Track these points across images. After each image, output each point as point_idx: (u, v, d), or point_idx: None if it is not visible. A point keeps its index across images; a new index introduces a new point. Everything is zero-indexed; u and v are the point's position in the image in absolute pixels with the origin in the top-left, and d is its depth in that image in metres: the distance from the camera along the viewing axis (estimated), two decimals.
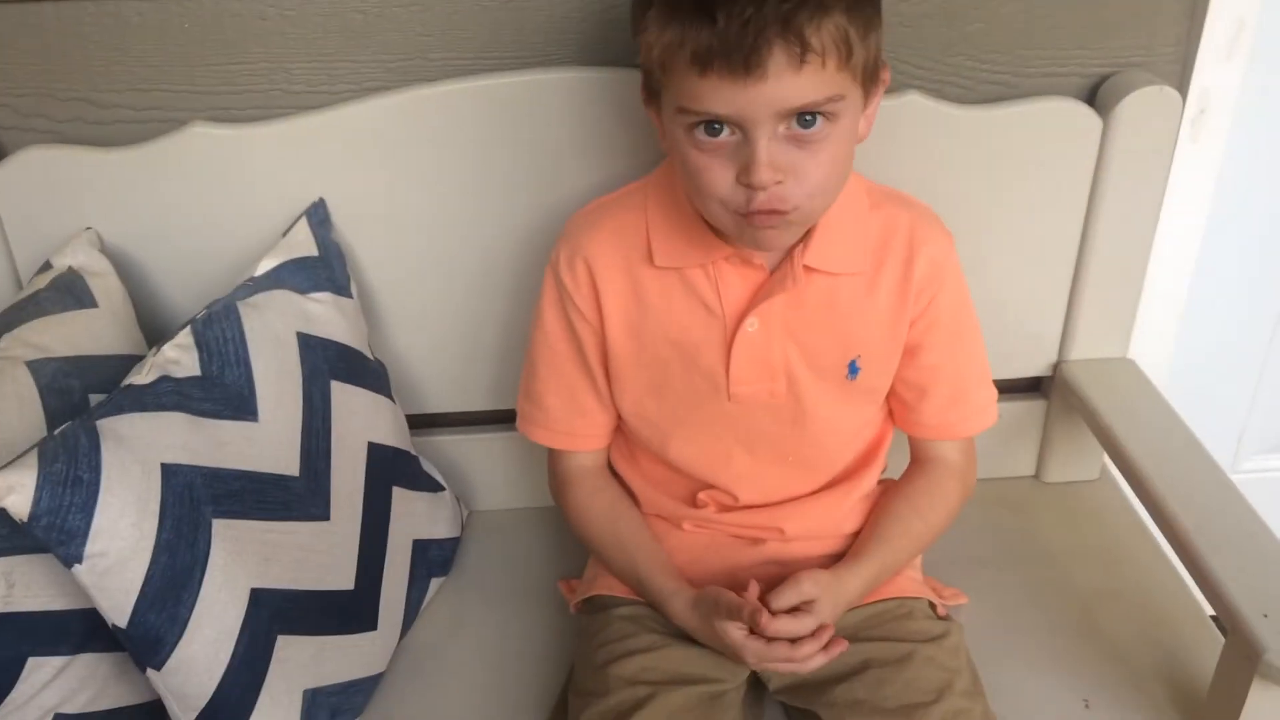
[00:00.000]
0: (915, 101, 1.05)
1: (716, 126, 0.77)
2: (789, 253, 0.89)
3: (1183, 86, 1.09)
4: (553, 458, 1.04)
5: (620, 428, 1.02)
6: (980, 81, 1.09)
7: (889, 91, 1.04)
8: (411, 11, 1.03)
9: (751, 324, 0.90)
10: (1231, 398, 1.45)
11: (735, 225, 0.82)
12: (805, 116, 0.77)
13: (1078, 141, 1.08)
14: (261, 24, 1.02)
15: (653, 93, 0.84)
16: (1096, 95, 1.09)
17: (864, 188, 0.93)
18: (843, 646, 0.85)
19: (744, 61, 0.73)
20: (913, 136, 1.06)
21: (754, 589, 0.86)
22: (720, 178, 0.79)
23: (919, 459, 1.01)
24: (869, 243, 0.91)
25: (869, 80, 0.81)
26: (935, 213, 0.96)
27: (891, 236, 0.92)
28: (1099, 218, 1.10)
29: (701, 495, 0.99)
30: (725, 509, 0.99)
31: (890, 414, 1.02)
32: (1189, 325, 1.26)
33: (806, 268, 0.89)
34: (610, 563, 0.99)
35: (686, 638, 0.93)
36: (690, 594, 0.92)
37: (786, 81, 0.74)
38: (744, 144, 0.77)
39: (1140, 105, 1.05)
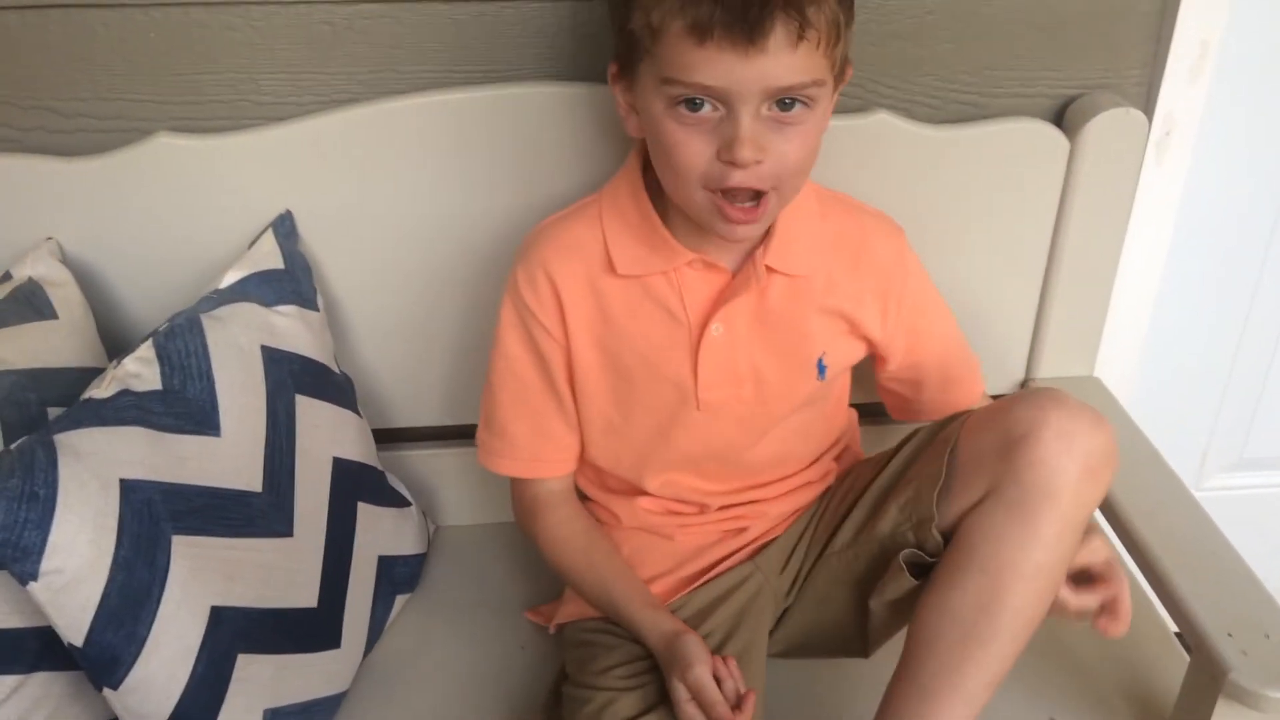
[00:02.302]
0: (884, 120, 1.05)
1: (698, 102, 0.78)
2: (749, 255, 0.90)
3: (1148, 109, 1.10)
4: (518, 485, 1.03)
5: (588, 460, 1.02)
6: (949, 101, 1.10)
7: (859, 110, 1.06)
8: (381, 24, 1.02)
9: (717, 329, 0.90)
10: (1195, 416, 1.47)
11: (708, 211, 0.82)
12: (785, 100, 0.78)
13: (1045, 162, 1.08)
14: (229, 34, 1.01)
15: (627, 66, 0.83)
16: (1064, 116, 1.10)
17: (813, 193, 0.94)
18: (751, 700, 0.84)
19: (748, 32, 0.73)
20: (882, 155, 1.06)
21: (734, 669, 0.86)
22: (699, 152, 0.79)
23: None
24: (823, 245, 0.92)
25: (840, 74, 0.83)
26: (881, 211, 0.97)
27: (842, 240, 0.93)
28: (1066, 237, 1.11)
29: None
30: (704, 509, 1.00)
31: (889, 410, 1.05)
32: (1154, 345, 1.27)
33: (768, 268, 0.89)
34: (585, 591, 0.98)
35: None
36: (666, 630, 0.89)
37: (783, 58, 0.75)
38: (726, 120, 0.78)
39: (1106, 127, 1.06)
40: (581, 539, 0.99)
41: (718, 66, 0.75)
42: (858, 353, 0.98)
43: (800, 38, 0.74)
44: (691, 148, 0.79)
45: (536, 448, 0.99)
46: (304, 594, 0.96)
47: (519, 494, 1.03)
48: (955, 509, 0.84)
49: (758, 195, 0.81)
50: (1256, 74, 1.20)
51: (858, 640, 0.95)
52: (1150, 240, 1.17)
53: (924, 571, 0.86)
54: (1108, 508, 1.04)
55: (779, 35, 0.74)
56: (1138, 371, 1.27)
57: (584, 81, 1.02)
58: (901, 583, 0.87)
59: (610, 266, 0.91)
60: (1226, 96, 1.17)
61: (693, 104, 0.78)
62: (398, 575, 1.11)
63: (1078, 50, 1.08)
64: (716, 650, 0.92)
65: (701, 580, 0.98)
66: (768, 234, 0.89)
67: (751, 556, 1.00)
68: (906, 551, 0.87)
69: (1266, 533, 1.40)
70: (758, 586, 0.99)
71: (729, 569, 0.99)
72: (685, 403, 0.93)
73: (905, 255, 0.96)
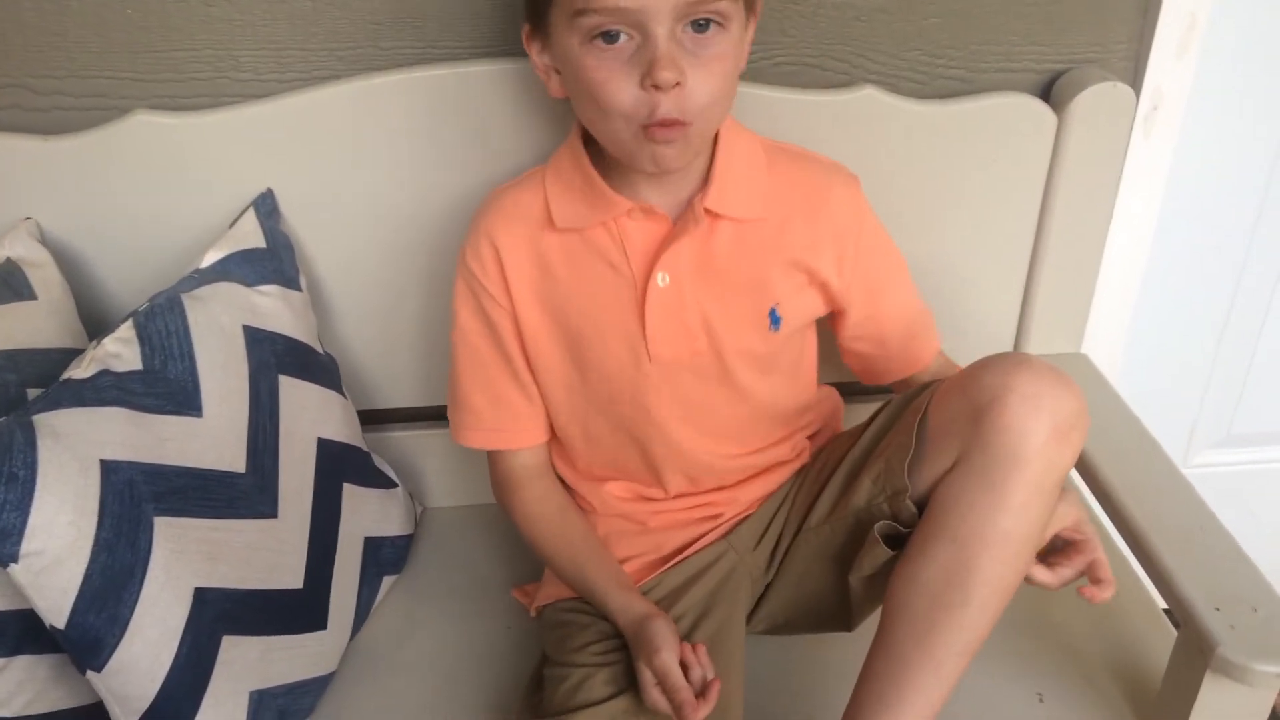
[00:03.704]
0: (871, 96, 1.04)
1: (613, 33, 0.78)
2: (689, 201, 0.89)
3: (1136, 83, 1.09)
4: (493, 460, 1.02)
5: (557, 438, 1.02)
6: (935, 76, 1.09)
7: (845, 85, 1.05)
8: None
9: (662, 278, 0.90)
10: (1183, 392, 1.47)
11: (635, 144, 0.82)
12: (699, 22, 0.78)
13: (1032, 137, 1.08)
14: (207, 10, 1.00)
15: (538, 22, 0.84)
16: (1051, 91, 1.10)
17: (760, 144, 0.93)
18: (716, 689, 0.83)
19: None
20: (868, 130, 1.05)
21: (703, 656, 0.85)
22: (622, 86, 0.79)
23: None
24: (768, 190, 0.91)
25: (750, 6, 0.83)
26: (836, 161, 0.96)
27: (792, 189, 0.92)
28: (1053, 213, 1.11)
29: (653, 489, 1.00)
30: (679, 495, 1.00)
31: (857, 375, 1.04)
32: (1141, 321, 1.27)
33: (708, 211, 0.89)
34: (558, 569, 0.98)
35: None
36: (636, 613, 0.89)
37: None
38: (644, 46, 0.78)
39: (1094, 101, 1.06)
40: (556, 517, 0.99)
41: None
42: (815, 306, 0.96)
43: None
44: (614, 82, 0.79)
45: (499, 418, 0.99)
46: (289, 575, 0.95)
47: (493, 468, 1.03)
48: (928, 478, 0.83)
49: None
50: (1244, 48, 1.19)
51: (840, 614, 0.95)
52: (1138, 215, 1.16)
53: (900, 543, 0.85)
54: (1095, 484, 1.04)
55: None
56: (1125, 348, 1.26)
57: None
58: (878, 555, 0.87)
59: (550, 223, 0.91)
60: (1214, 71, 1.16)
61: (609, 36, 0.78)
62: (384, 557, 1.11)
63: (1065, 25, 1.08)
64: (692, 630, 0.92)
65: (674, 561, 0.97)
66: (706, 179, 0.89)
67: (724, 535, 1.00)
68: (881, 524, 0.86)
69: (1253, 508, 1.41)
70: (731, 565, 0.98)
71: (702, 549, 0.98)
72: (638, 358, 0.92)
73: (861, 202, 0.95)
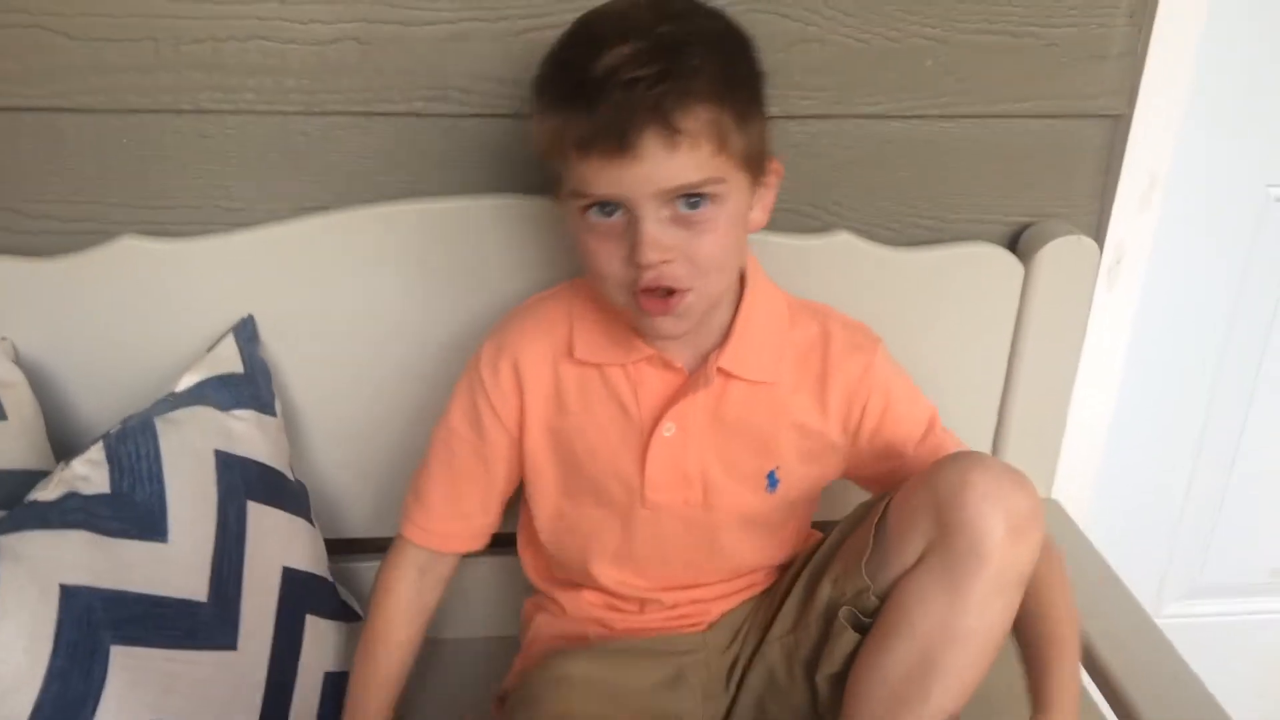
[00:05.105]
0: (847, 241, 1.07)
1: (608, 208, 0.80)
2: (705, 357, 0.90)
3: (1099, 237, 1.13)
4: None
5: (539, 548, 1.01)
6: (908, 225, 1.13)
7: (822, 230, 1.08)
8: (353, 134, 1.04)
9: (668, 429, 0.90)
10: (1152, 542, 1.47)
11: (635, 312, 0.83)
12: (690, 198, 0.79)
13: (1001, 286, 1.11)
14: (203, 141, 1.02)
15: (556, 192, 0.86)
16: (1019, 242, 1.13)
17: (785, 301, 0.95)
18: None
19: (619, 143, 0.76)
20: (843, 275, 1.08)
21: None
22: (611, 257, 0.81)
23: None
24: (787, 354, 0.93)
25: (754, 168, 0.84)
26: (857, 322, 0.98)
27: (809, 351, 0.94)
28: (1022, 360, 1.13)
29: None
30: (644, 606, 0.98)
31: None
32: (1109, 470, 1.28)
33: (721, 371, 0.90)
34: (363, 644, 0.98)
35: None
36: None
37: (661, 162, 0.77)
38: (632, 224, 0.80)
39: (1059, 253, 1.09)
40: (407, 609, 0.99)
41: (605, 176, 0.78)
42: (822, 475, 0.97)
43: (675, 144, 0.77)
44: (604, 254, 0.82)
45: (449, 522, 0.98)
46: (244, 713, 0.92)
47: (401, 542, 1.00)
48: (892, 574, 0.84)
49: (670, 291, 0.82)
50: (1204, 202, 1.24)
51: None
52: (1104, 364, 1.19)
53: (866, 630, 0.86)
54: None
55: (651, 143, 0.76)
56: (1095, 497, 1.27)
57: (546, 195, 1.03)
58: (846, 642, 0.86)
59: (570, 350, 0.92)
60: (1175, 226, 1.21)
61: (603, 210, 0.80)
62: (344, 693, 1.07)
63: (1031, 180, 1.12)
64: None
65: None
66: (725, 337, 0.90)
67: (703, 630, 0.98)
68: (845, 610, 0.87)
69: (1223, 660, 1.40)
70: (699, 662, 0.96)
71: (676, 634, 0.97)
72: (631, 500, 0.93)
73: (876, 366, 0.95)
